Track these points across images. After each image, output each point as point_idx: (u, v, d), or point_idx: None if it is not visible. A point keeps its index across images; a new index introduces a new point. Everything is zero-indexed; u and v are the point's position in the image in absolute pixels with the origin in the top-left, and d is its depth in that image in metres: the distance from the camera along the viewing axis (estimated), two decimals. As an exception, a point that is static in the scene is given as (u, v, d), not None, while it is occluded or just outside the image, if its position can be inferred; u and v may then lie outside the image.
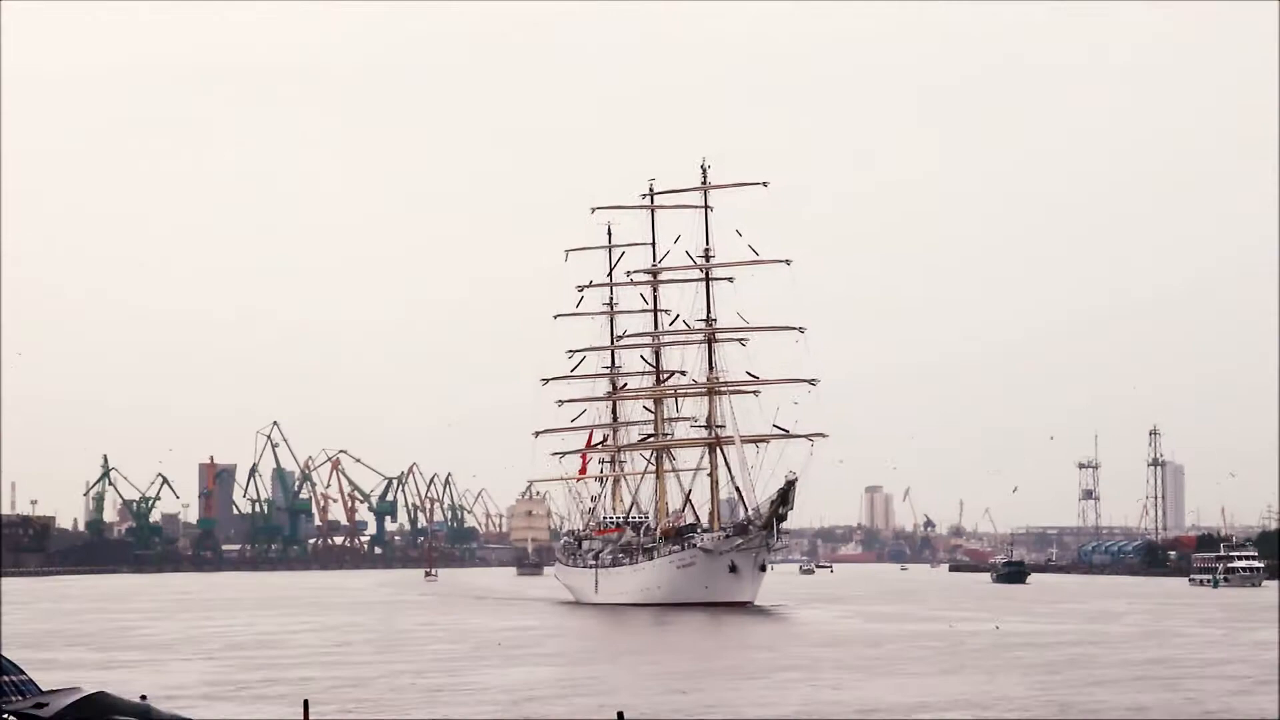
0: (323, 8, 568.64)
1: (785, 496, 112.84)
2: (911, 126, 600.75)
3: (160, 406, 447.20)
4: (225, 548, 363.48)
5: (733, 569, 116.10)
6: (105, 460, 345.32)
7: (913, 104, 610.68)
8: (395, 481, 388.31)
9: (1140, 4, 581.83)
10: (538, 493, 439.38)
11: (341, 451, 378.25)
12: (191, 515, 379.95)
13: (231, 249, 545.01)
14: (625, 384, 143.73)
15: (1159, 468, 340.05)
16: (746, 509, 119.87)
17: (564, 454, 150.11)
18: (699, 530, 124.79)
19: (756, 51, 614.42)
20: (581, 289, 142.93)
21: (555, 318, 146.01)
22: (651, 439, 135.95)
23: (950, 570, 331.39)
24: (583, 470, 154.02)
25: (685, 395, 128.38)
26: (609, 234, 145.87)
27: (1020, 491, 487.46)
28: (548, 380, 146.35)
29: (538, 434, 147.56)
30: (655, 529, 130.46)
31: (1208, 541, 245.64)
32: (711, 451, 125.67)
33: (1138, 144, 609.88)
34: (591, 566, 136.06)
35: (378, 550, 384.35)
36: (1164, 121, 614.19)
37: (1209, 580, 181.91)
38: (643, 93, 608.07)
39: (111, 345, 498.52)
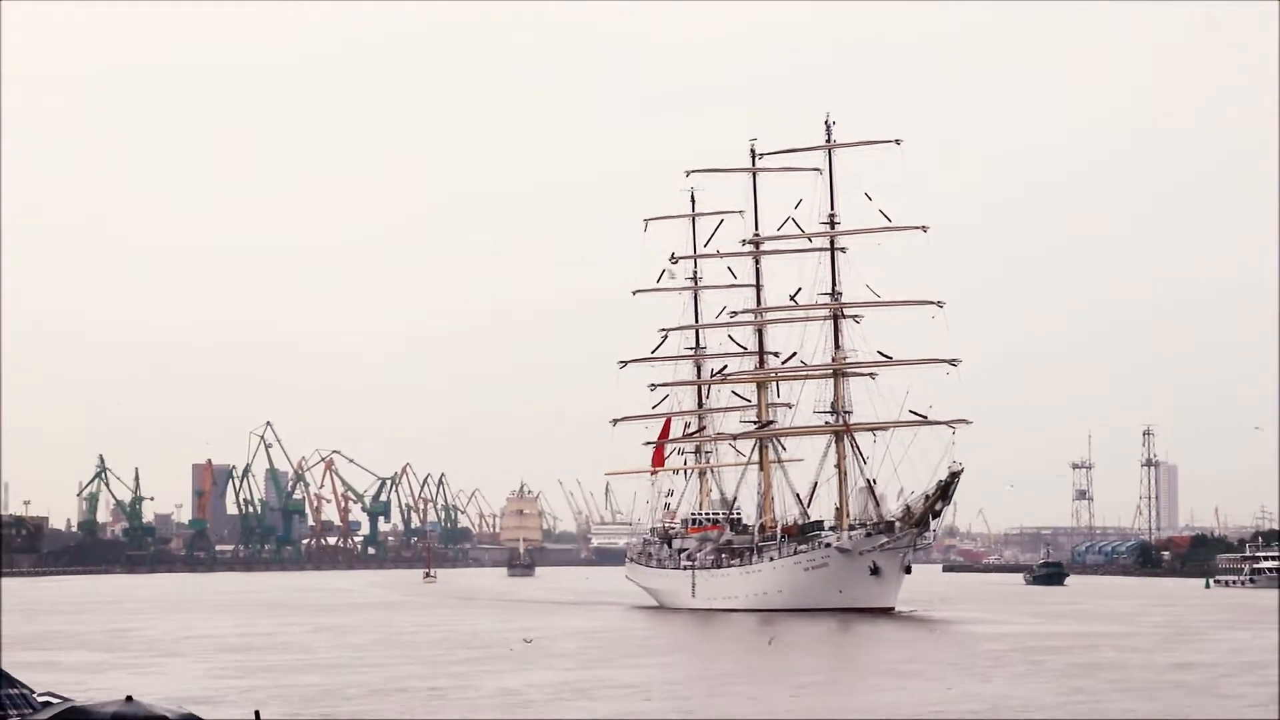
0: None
1: (946, 490, 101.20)
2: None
3: (154, 407, 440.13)
4: (218, 548, 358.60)
5: (874, 571, 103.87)
6: (100, 460, 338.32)
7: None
8: (389, 482, 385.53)
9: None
10: (529, 491, 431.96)
11: (335, 452, 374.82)
12: (184, 516, 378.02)
13: (228, 247, 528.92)
14: (725, 365, 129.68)
15: (1153, 468, 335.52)
16: (879, 503, 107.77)
17: (653, 444, 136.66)
18: (825, 527, 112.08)
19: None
20: (675, 259, 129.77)
21: (635, 294, 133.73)
22: (769, 424, 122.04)
23: (944, 570, 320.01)
24: (660, 462, 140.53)
25: (809, 377, 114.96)
26: (692, 201, 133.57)
27: (1013, 491, 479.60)
28: (625, 363, 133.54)
29: (615, 421, 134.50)
30: (776, 526, 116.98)
31: (1201, 541, 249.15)
32: (838, 440, 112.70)
33: (1138, 141, 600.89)
34: (686, 568, 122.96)
35: (371, 551, 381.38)
36: (1166, 120, 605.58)
37: (1238, 580, 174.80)
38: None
39: (106, 345, 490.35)
